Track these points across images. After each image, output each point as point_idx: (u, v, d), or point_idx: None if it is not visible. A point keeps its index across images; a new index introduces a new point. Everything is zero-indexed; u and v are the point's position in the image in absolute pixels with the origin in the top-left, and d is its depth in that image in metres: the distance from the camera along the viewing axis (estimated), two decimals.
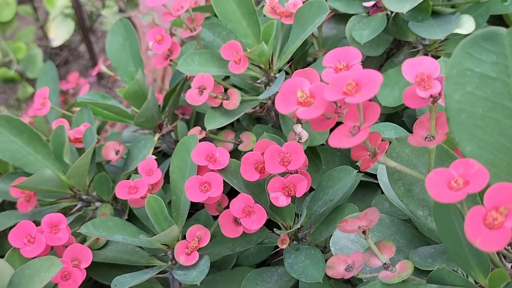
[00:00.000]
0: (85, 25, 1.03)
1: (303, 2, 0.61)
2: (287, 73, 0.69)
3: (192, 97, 0.54)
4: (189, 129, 0.71)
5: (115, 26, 0.67)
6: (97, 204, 0.60)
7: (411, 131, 0.60)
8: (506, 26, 0.72)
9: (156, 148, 0.69)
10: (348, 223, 0.37)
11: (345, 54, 0.35)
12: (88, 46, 1.11)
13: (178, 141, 0.68)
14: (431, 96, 0.32)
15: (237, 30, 0.57)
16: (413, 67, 0.32)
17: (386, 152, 0.40)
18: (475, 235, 0.27)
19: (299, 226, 0.49)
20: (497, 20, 0.70)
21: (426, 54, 0.59)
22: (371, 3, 0.58)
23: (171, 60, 0.58)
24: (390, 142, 0.38)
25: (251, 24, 0.57)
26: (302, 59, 0.70)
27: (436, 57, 0.59)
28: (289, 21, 0.56)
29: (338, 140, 0.33)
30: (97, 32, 1.29)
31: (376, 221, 0.36)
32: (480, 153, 0.30)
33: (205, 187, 0.45)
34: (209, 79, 0.54)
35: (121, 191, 0.49)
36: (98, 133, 0.81)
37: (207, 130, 0.56)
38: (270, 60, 0.57)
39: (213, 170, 0.46)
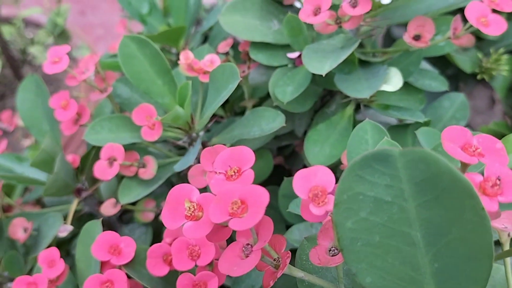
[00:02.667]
0: (15, 63, 0.96)
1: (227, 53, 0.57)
2: (221, 117, 0.65)
3: (101, 171, 0.49)
4: (118, 185, 0.65)
5: (26, 83, 0.61)
6: (9, 285, 0.54)
7: None
8: (450, 65, 0.70)
9: (78, 211, 0.63)
10: None
11: (238, 157, 0.31)
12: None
13: (102, 202, 0.63)
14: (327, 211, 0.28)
15: (152, 90, 0.52)
16: (305, 180, 0.28)
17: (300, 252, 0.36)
18: None
19: None
20: (441, 61, 0.68)
21: (358, 104, 0.56)
22: (296, 54, 0.53)
23: (81, 125, 0.53)
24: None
25: (167, 82, 0.52)
26: (237, 101, 0.66)
27: (369, 108, 0.55)
28: (206, 79, 0.51)
29: (228, 265, 0.28)
30: (34, 61, 1.21)
31: None
32: (382, 283, 0.26)
33: (107, 287, 0.40)
34: (119, 150, 0.49)
35: None
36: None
37: (122, 204, 0.51)
38: (191, 120, 0.53)
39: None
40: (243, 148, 0.31)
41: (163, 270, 0.41)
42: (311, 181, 0.28)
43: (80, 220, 0.68)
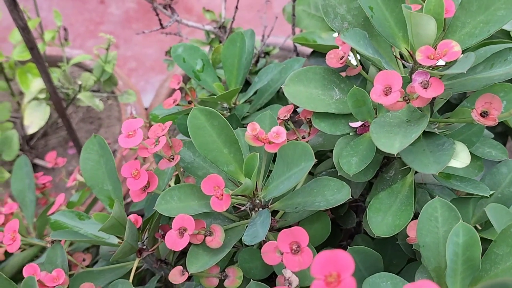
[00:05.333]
0: (62, 109, 0.99)
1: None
2: None
3: (172, 241, 0.50)
4: None
5: (89, 143, 0.63)
6: None
7: (407, 255, 0.57)
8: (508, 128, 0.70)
9: (138, 267, 0.65)
10: None
11: (336, 261, 0.31)
12: (66, 127, 1.06)
13: (160, 259, 0.64)
14: None
15: (219, 159, 0.53)
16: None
17: None
18: None
19: None
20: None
21: (416, 171, 0.56)
22: (358, 123, 0.55)
23: (148, 193, 0.55)
24: None
25: (233, 151, 0.54)
26: None
27: None
28: (272, 149, 0.53)
29: None
30: (77, 102, 1.24)
31: None
32: None
33: None
34: (190, 221, 0.50)
35: None
36: None
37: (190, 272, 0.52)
38: (255, 188, 0.54)
39: None
40: (340, 252, 0.32)
41: None
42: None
43: (138, 275, 0.69)
